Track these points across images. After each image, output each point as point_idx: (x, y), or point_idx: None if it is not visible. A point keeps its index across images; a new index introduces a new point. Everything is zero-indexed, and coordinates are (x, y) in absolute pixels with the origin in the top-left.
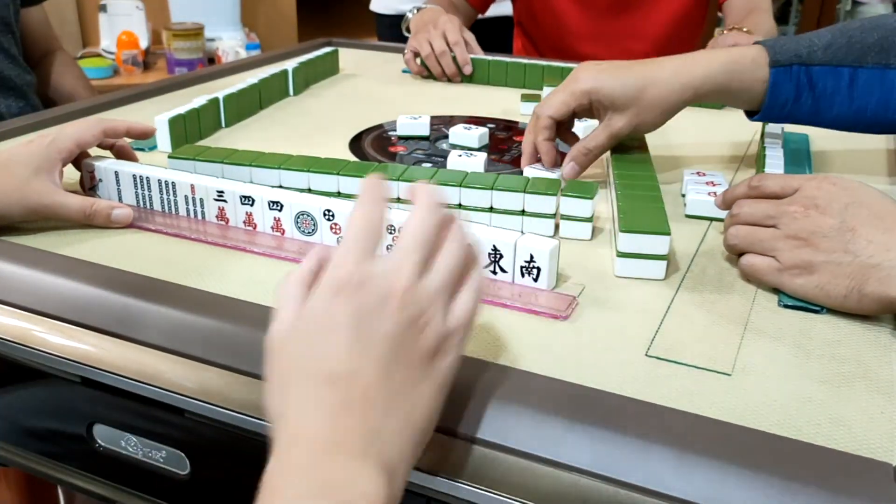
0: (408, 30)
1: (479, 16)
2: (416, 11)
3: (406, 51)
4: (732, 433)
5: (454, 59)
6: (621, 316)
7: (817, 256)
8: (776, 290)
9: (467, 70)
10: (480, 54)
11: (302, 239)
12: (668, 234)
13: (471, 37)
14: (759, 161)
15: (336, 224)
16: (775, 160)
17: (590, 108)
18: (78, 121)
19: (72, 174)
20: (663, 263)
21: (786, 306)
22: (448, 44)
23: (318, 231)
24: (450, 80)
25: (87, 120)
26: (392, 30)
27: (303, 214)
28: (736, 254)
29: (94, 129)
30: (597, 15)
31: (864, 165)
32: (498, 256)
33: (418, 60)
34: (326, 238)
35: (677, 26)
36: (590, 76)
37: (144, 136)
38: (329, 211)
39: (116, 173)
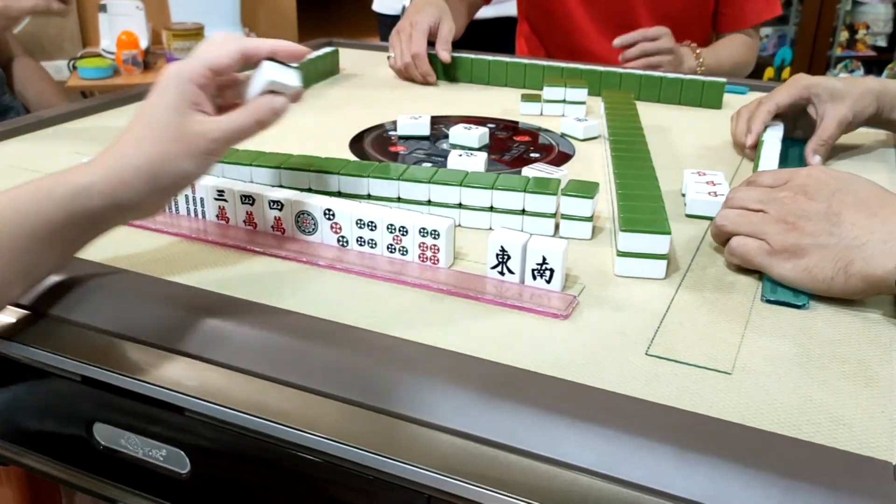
0: None
1: (483, 14)
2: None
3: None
4: (733, 432)
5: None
6: (621, 315)
7: (804, 240)
8: (760, 279)
9: (431, 80)
10: (446, 55)
11: (302, 238)
12: (669, 233)
13: (447, 30)
14: (756, 162)
15: (336, 223)
16: (770, 156)
17: (802, 108)
18: (211, 42)
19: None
20: (663, 263)
21: (768, 301)
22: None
23: (318, 230)
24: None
25: (223, 40)
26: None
27: (303, 214)
28: (722, 239)
29: (229, 50)
30: (605, 11)
31: (865, 169)
32: (506, 257)
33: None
34: (327, 237)
35: (685, 25)
36: (807, 77)
37: (296, 58)
38: (329, 210)
39: None
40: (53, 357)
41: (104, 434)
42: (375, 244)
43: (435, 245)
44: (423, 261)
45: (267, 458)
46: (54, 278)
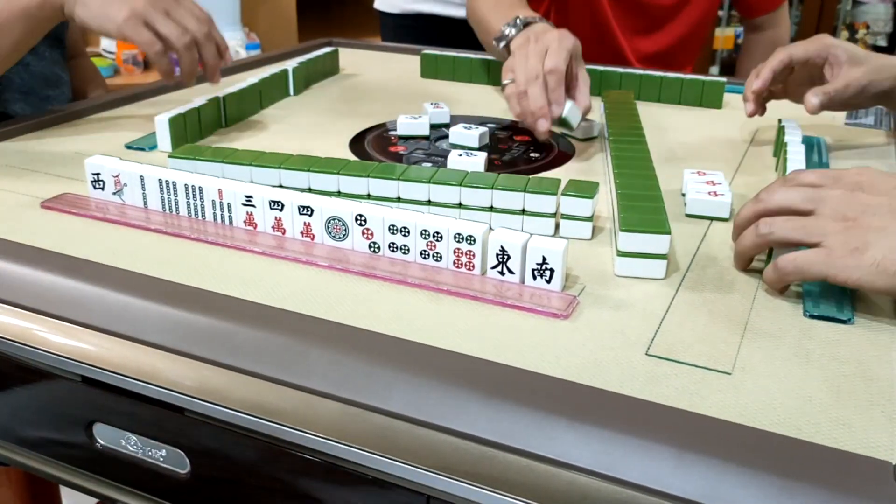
0: (507, 49)
1: None
2: (520, 26)
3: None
4: (732, 432)
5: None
6: (621, 315)
7: (870, 235)
8: (800, 298)
9: (556, 111)
10: (585, 103)
11: (332, 244)
12: (668, 233)
13: (584, 79)
14: (777, 144)
15: (368, 229)
16: (796, 158)
17: (819, 68)
18: None
19: (73, 173)
20: (663, 263)
21: (811, 316)
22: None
23: (349, 236)
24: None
25: None
26: (396, 30)
27: (333, 219)
28: (760, 250)
29: None
30: (631, 8)
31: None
32: (506, 257)
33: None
34: (358, 244)
35: (698, 21)
36: (829, 37)
37: None
38: (361, 216)
39: (142, 177)
40: (53, 357)
41: (104, 434)
42: (408, 250)
43: (470, 251)
44: (457, 267)
45: (267, 458)
46: (56, 278)
